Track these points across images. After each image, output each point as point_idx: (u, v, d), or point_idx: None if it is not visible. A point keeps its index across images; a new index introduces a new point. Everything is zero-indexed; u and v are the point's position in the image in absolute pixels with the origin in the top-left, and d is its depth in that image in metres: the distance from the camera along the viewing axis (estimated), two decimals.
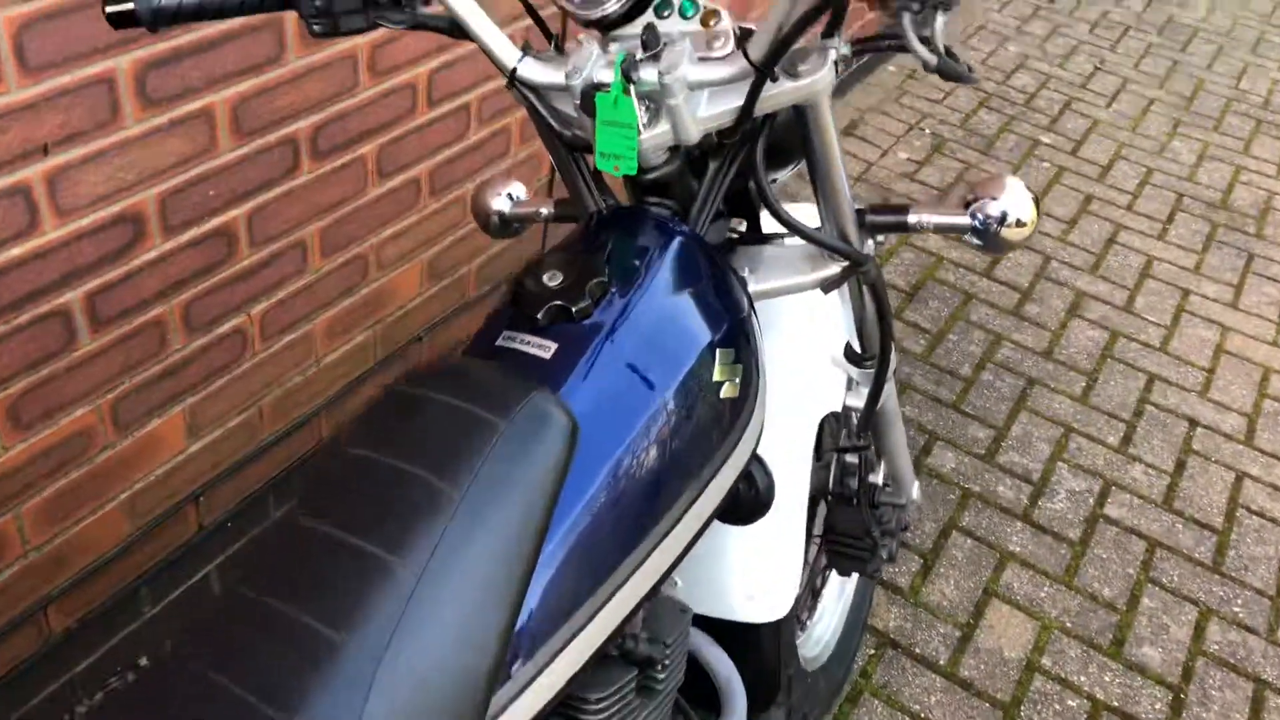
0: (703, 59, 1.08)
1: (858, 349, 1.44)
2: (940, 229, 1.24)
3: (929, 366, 2.73)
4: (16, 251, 1.34)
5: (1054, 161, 3.61)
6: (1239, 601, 2.25)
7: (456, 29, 1.12)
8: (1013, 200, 1.21)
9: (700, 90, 1.06)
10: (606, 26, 1.14)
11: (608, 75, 1.05)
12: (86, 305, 1.45)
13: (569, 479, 0.92)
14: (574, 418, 0.93)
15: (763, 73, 1.02)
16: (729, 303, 1.12)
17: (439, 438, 0.88)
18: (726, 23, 1.11)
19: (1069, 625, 2.15)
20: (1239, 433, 2.67)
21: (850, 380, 1.51)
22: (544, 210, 1.39)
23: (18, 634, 1.60)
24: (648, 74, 1.04)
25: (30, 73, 1.25)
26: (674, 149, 1.10)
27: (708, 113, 1.07)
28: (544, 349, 0.98)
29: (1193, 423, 2.68)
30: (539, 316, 0.99)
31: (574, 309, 0.99)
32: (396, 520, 0.82)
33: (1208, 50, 4.54)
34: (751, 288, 1.22)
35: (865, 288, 1.32)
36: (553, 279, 1.02)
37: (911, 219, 1.22)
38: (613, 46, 1.12)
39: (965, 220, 1.22)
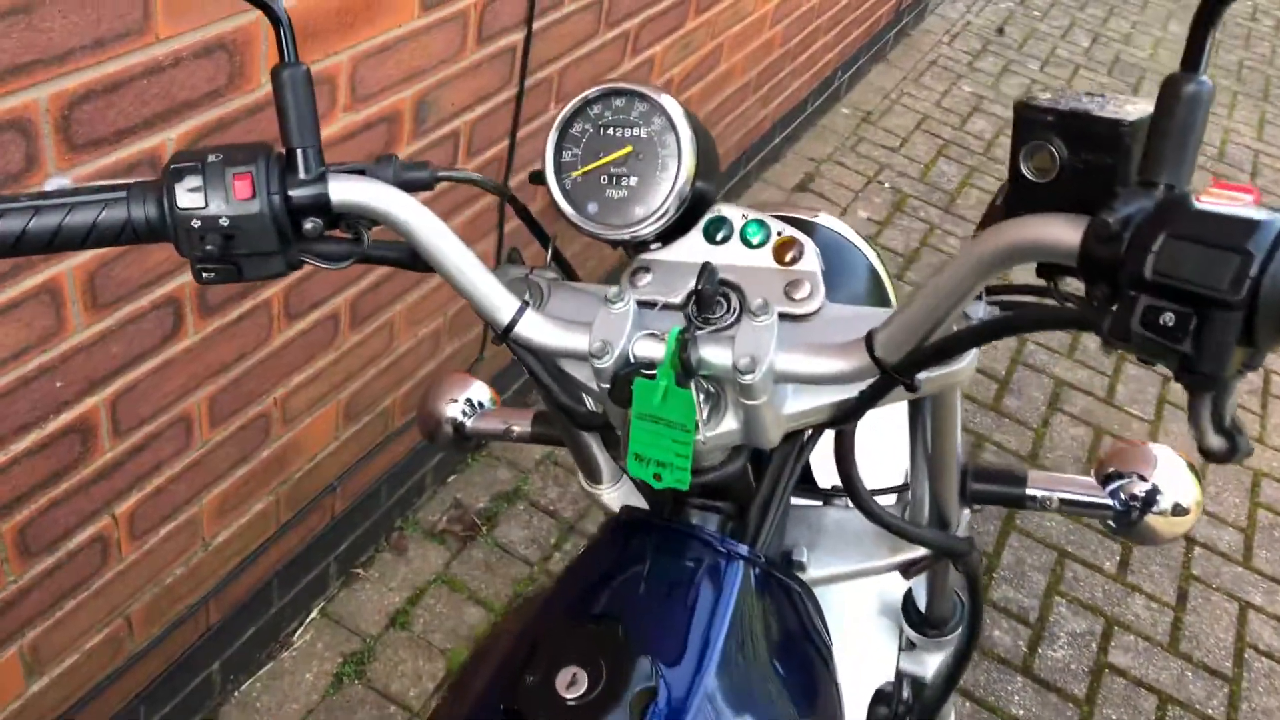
0: (783, 315, 0.74)
1: (922, 607, 1.12)
2: (1068, 507, 0.94)
3: None
4: None
5: None
6: None
7: (418, 261, 0.76)
8: (1168, 478, 0.92)
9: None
10: (635, 247, 0.80)
11: (651, 350, 0.73)
12: None
13: None
14: None
15: (896, 379, 0.69)
16: (807, 656, 0.84)
17: None
18: (812, 259, 0.78)
19: None
20: (1237, 553, 2.45)
21: (902, 636, 1.19)
22: (515, 427, 1.03)
23: None
24: (713, 356, 0.71)
25: None
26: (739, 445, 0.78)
27: (798, 408, 0.75)
28: None
29: (1190, 541, 2.46)
30: None
31: None
32: None
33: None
34: (810, 572, 0.92)
35: (960, 573, 1.00)
36: (572, 685, 0.67)
37: (1030, 492, 0.93)
38: (644, 282, 0.78)
39: (1103, 499, 0.93)
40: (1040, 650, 2.15)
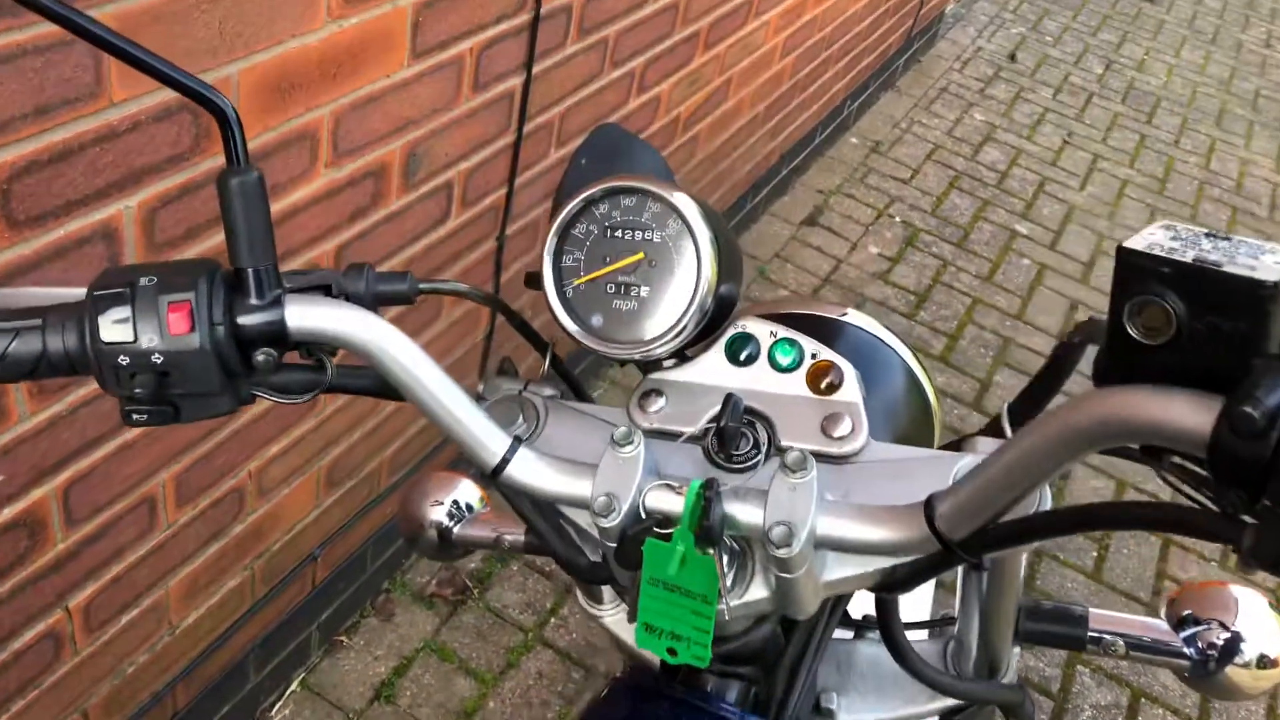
0: (820, 455, 0.63)
1: None
2: (1136, 653, 0.83)
3: None
4: None
5: (1034, 258, 3.25)
6: None
7: (390, 390, 0.64)
8: (1252, 625, 0.82)
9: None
10: (645, 366, 0.70)
11: (666, 502, 0.62)
12: None
13: None
14: None
15: (960, 557, 0.57)
16: None
17: None
18: (854, 388, 0.67)
19: None
20: None
21: None
22: (508, 536, 0.92)
23: None
24: (740, 514, 0.61)
25: None
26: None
27: (840, 574, 0.63)
28: None
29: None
30: None
31: None
32: None
33: (1173, 123, 4.26)
34: (839, 718, 0.81)
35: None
36: None
37: (1095, 633, 0.83)
38: (655, 408, 0.68)
39: (1176, 646, 0.83)
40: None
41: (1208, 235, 0.49)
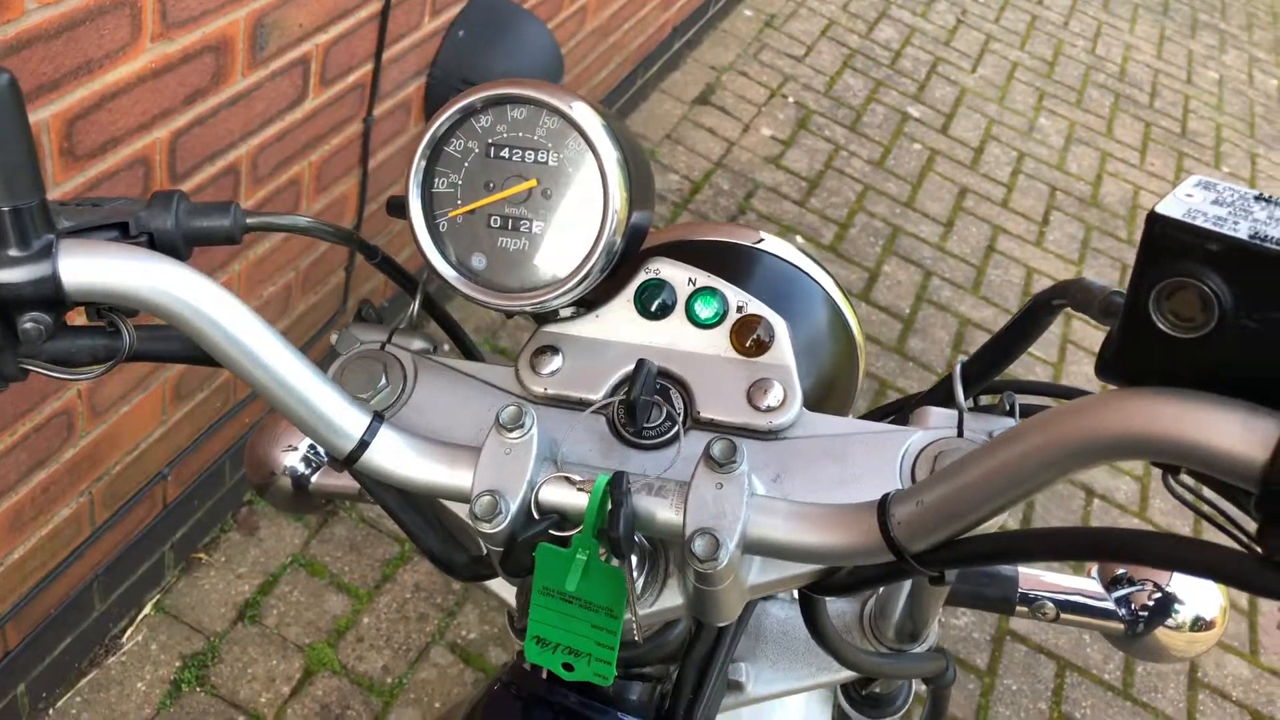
0: (740, 429, 0.55)
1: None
2: (1066, 615, 0.78)
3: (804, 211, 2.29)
4: None
5: (925, 142, 3.19)
6: None
7: (206, 358, 0.51)
8: (1188, 589, 0.79)
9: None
10: (539, 317, 0.58)
11: (565, 498, 0.51)
12: None
13: None
14: None
15: (919, 572, 0.49)
16: None
17: None
18: (785, 349, 0.57)
19: None
20: (1133, 504, 2.40)
21: (835, 708, 1.04)
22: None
23: None
24: (662, 518, 0.50)
25: None
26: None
27: (767, 579, 0.54)
28: None
29: (1089, 493, 2.39)
30: None
31: None
32: None
33: (1063, 4, 4.21)
34: (749, 690, 0.75)
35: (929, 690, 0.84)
36: None
37: (1024, 593, 0.80)
38: (550, 369, 0.57)
39: (1107, 605, 0.80)
40: (944, 619, 2.05)
41: (1259, 199, 0.39)
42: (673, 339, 0.58)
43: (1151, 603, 0.76)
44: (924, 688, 0.86)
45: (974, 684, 1.97)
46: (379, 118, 1.54)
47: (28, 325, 0.45)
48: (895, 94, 3.34)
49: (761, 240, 0.84)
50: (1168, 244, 0.38)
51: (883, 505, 0.47)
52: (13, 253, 0.44)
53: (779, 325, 0.57)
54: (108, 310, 0.48)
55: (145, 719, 1.55)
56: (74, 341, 0.48)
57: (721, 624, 0.58)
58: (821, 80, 3.27)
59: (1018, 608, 0.78)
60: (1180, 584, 0.76)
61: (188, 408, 1.47)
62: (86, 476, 1.33)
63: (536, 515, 0.50)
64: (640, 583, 0.53)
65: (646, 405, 0.54)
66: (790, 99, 3.15)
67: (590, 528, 0.49)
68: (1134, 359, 0.40)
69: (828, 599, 0.66)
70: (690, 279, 0.58)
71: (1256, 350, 0.37)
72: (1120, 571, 0.78)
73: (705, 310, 0.58)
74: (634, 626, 0.53)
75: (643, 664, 0.62)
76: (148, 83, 1.07)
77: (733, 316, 0.58)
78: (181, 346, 0.52)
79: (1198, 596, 0.76)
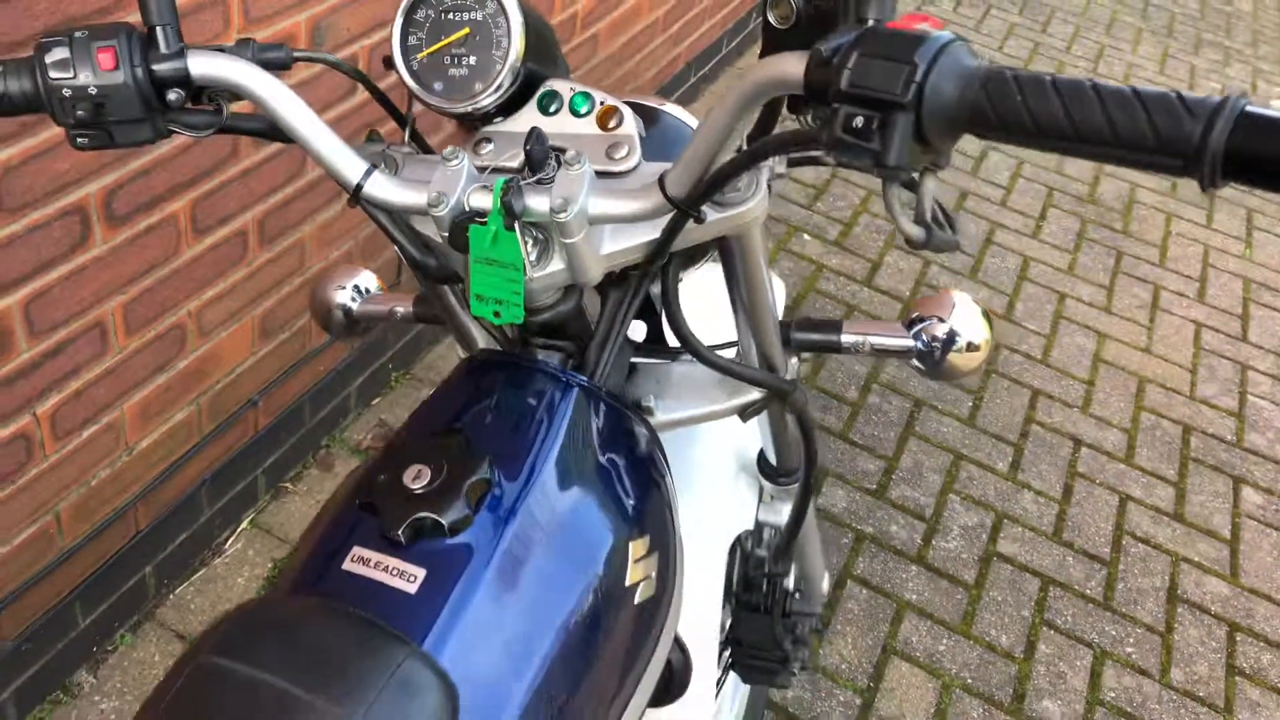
0: (601, 173, 0.85)
1: (773, 460, 1.25)
2: (879, 351, 1.07)
3: (815, 391, 2.59)
4: None
5: None
6: (1130, 641, 2.20)
7: (277, 133, 0.86)
8: (962, 320, 1.04)
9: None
10: (480, 120, 0.91)
11: (484, 201, 0.82)
12: None
13: None
14: (450, 681, 0.70)
15: (685, 213, 0.80)
16: (640, 473, 0.92)
17: None
18: (631, 124, 0.89)
19: (969, 681, 2.06)
20: (1119, 451, 2.63)
21: (762, 491, 1.32)
22: (400, 309, 1.14)
23: None
24: (535, 203, 0.81)
25: None
26: (569, 285, 0.88)
27: (614, 247, 0.85)
28: (408, 578, 0.75)
29: (1077, 442, 2.63)
30: (399, 533, 0.75)
31: (446, 522, 0.76)
32: None
33: (1066, 31, 4.52)
34: (658, 418, 1.02)
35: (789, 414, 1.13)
36: (417, 478, 0.78)
37: (845, 339, 1.05)
38: (486, 150, 0.88)
39: (908, 342, 1.04)
40: (934, 542, 2.31)
41: None
42: (561, 127, 0.90)
43: (940, 335, 1.02)
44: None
45: (961, 595, 2.22)
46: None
47: (172, 97, 0.81)
48: None
49: (665, 105, 1.18)
50: None
51: (662, 177, 0.80)
52: (163, 51, 0.80)
53: (627, 112, 0.89)
54: (216, 96, 0.83)
55: None
56: (196, 117, 0.83)
57: (588, 283, 0.86)
58: None
59: (843, 348, 1.06)
60: (957, 318, 1.02)
61: (272, 345, 1.85)
62: (195, 387, 1.70)
63: (467, 210, 0.83)
64: (535, 254, 0.85)
65: (539, 157, 0.84)
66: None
67: (496, 206, 0.81)
68: (767, 47, 0.73)
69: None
70: (571, 87, 0.91)
71: (815, 26, 0.70)
72: (915, 314, 1.04)
73: (581, 106, 0.89)
74: (531, 281, 0.84)
75: (556, 332, 0.92)
76: (171, 161, 1.45)
77: (598, 108, 0.90)
78: (259, 125, 0.87)
79: (969, 327, 1.01)
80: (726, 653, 1.45)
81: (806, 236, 3.07)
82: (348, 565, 0.76)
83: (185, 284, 1.57)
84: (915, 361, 1.06)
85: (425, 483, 0.78)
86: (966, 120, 0.62)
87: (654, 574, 0.88)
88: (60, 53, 0.78)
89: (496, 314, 0.85)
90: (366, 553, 0.76)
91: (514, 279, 0.84)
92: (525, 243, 0.83)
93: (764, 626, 1.38)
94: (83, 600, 1.65)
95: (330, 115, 1.70)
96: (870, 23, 0.68)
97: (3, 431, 1.38)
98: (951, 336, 1.03)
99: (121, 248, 1.42)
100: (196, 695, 0.69)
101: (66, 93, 0.78)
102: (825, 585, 1.58)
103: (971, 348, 1.03)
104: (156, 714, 0.69)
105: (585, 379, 0.91)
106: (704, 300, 1.20)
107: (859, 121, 0.63)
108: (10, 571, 1.50)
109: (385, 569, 0.75)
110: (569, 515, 0.83)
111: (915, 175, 0.68)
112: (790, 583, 1.40)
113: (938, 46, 0.62)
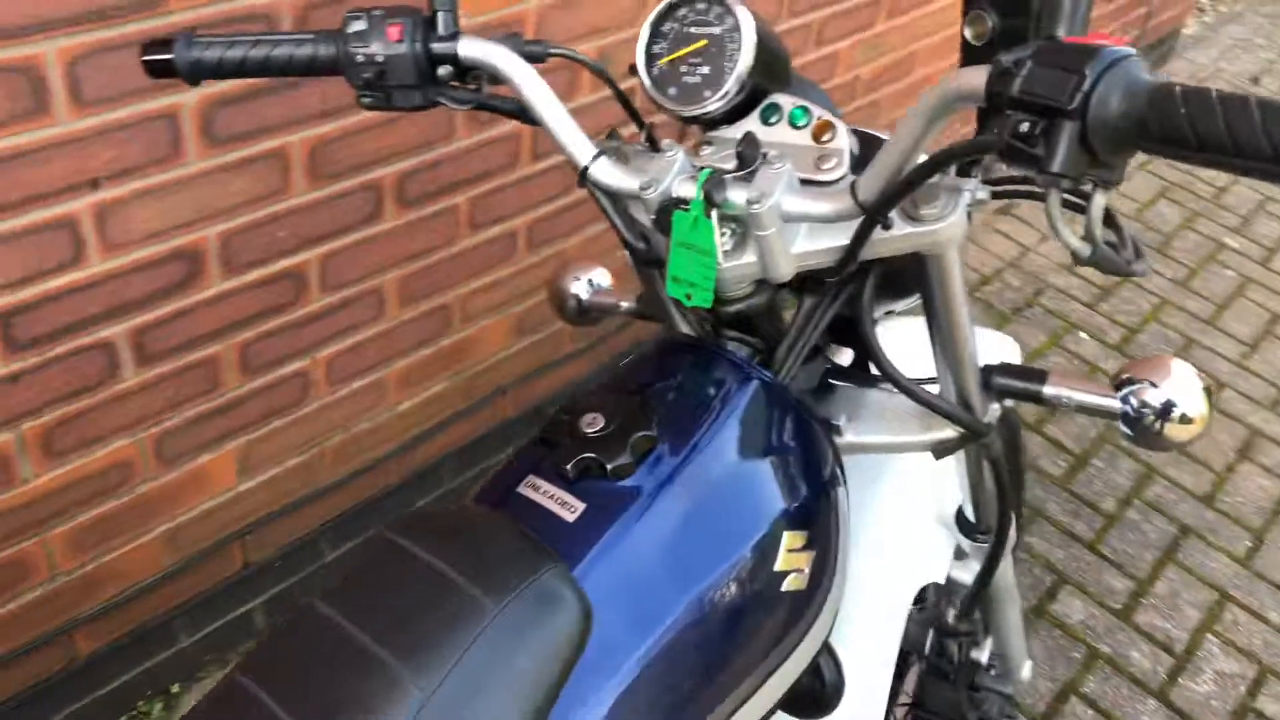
0: (807, 181, 0.90)
1: (970, 517, 1.23)
2: (1083, 409, 0.98)
3: (1066, 494, 2.45)
4: (57, 283, 1.28)
5: (1240, 271, 3.26)
6: None
7: (525, 114, 0.98)
8: (1178, 389, 0.96)
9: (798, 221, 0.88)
10: (706, 125, 0.98)
11: (689, 190, 0.88)
12: (132, 340, 1.39)
13: (575, 678, 0.77)
14: (588, 603, 0.78)
15: (872, 218, 0.83)
16: (811, 472, 0.94)
17: (419, 616, 0.75)
18: (843, 139, 0.92)
19: None
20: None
21: (958, 548, 1.30)
22: (624, 304, 1.23)
23: (42, 654, 1.56)
24: (735, 196, 0.87)
25: (83, 106, 1.19)
26: (761, 281, 0.93)
27: (806, 248, 0.89)
28: (569, 508, 0.83)
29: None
30: (568, 468, 0.84)
31: (609, 466, 0.84)
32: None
33: None
34: (845, 438, 1.01)
35: (985, 460, 1.10)
36: (591, 424, 0.87)
37: (1048, 390, 0.98)
38: (705, 151, 0.96)
39: (1114, 404, 0.97)
40: (1180, 680, 2.11)
41: None
42: (778, 136, 0.94)
43: (1151, 401, 0.94)
44: None
45: (1099, 521, 2.00)
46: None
47: (442, 72, 0.96)
48: (1213, 224, 3.44)
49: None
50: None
51: (854, 183, 0.83)
52: (440, 33, 0.95)
53: (841, 126, 0.92)
54: (478, 76, 0.98)
55: None
56: (460, 93, 0.98)
57: (778, 279, 0.87)
58: (1130, 205, 3.46)
59: (1044, 400, 0.96)
60: (1172, 386, 0.94)
61: (527, 342, 2.03)
62: (452, 366, 1.91)
63: (673, 197, 0.90)
64: (730, 244, 0.89)
65: (750, 158, 0.89)
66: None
67: (698, 194, 0.87)
68: (963, 61, 0.78)
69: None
70: (794, 102, 0.97)
71: (1008, 43, 0.74)
72: (1126, 375, 0.96)
73: (799, 119, 0.93)
74: (723, 268, 0.87)
75: (748, 327, 0.95)
76: (459, 159, 1.64)
77: (814, 122, 0.95)
78: (511, 106, 0.99)
79: (1185, 398, 0.93)
80: (907, 713, 1.42)
81: (1083, 335, 2.95)
82: (521, 489, 0.85)
83: (457, 271, 1.78)
84: (1122, 425, 0.97)
85: (598, 429, 0.86)
86: (1132, 133, 0.62)
87: (807, 569, 0.90)
88: (359, 25, 0.95)
89: (689, 295, 0.90)
90: (538, 481, 0.85)
91: (708, 265, 0.88)
92: (723, 233, 0.88)
93: (950, 696, 1.34)
94: (333, 533, 1.87)
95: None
96: (1056, 38, 0.71)
97: (287, 369, 1.62)
98: (1166, 407, 0.95)
99: (406, 228, 1.64)
100: (373, 563, 0.81)
101: (360, 58, 0.94)
102: (1026, 671, 1.50)
103: (1185, 420, 0.95)
104: (345, 573, 0.82)
105: (769, 375, 0.94)
106: (917, 352, 1.20)
107: (1025, 126, 0.65)
108: (272, 495, 1.74)
109: (551, 497, 0.84)
110: (726, 488, 0.88)
111: (1088, 190, 0.68)
112: (984, 657, 1.36)
113: (1110, 59, 0.64)
